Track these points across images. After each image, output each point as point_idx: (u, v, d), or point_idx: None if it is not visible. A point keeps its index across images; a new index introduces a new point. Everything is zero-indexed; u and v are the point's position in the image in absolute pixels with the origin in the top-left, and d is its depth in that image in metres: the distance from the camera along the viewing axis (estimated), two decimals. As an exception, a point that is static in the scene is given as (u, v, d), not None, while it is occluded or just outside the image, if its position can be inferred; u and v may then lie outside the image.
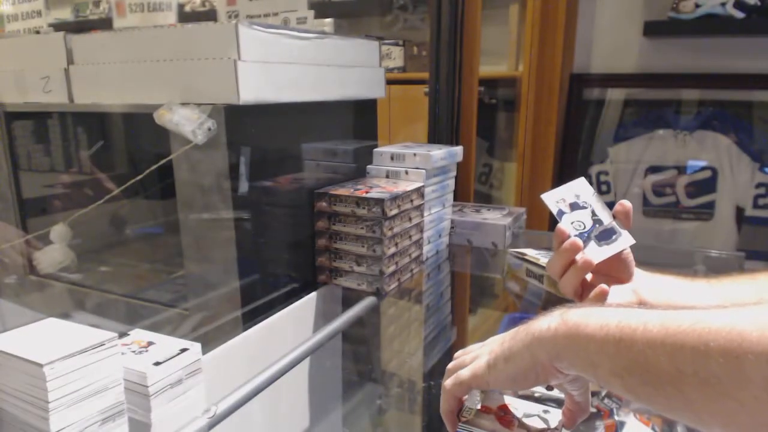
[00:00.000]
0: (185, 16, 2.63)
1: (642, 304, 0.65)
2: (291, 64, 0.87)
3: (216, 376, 0.65)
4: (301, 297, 0.92)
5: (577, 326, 0.45)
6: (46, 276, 1.08)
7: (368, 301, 0.92)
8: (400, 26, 2.42)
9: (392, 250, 0.93)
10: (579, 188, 0.69)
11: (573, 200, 0.67)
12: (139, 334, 0.63)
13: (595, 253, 0.63)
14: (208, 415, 0.60)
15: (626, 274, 0.67)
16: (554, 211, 0.65)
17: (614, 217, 0.67)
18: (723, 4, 1.57)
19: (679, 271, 0.68)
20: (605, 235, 0.64)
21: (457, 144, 1.42)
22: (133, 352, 0.58)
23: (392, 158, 1.07)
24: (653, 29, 1.71)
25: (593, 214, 0.66)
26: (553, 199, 0.66)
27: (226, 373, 0.70)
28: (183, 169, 0.82)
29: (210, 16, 2.50)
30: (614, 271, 0.67)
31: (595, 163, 1.86)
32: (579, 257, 0.62)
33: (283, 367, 0.71)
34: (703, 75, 1.72)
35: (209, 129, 0.77)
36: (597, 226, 0.65)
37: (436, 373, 1.00)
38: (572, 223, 0.64)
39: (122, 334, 0.62)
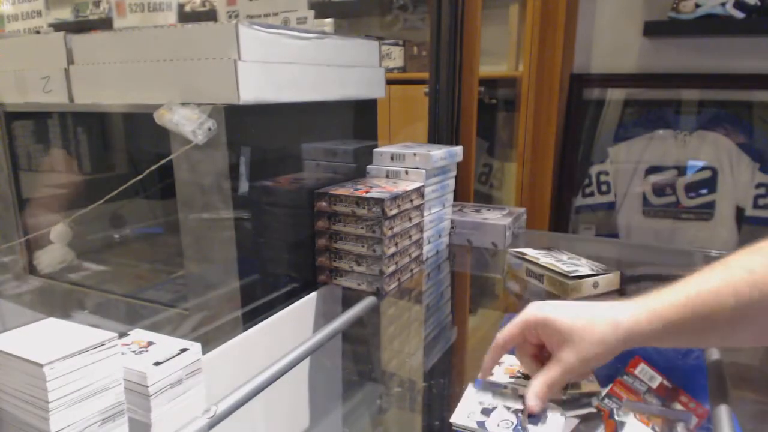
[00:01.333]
0: (185, 16, 2.63)
1: None
2: (291, 64, 0.87)
3: (216, 376, 0.65)
4: (301, 297, 0.92)
5: None
6: (46, 276, 1.08)
7: (368, 301, 0.92)
8: (400, 26, 2.42)
9: (392, 249, 0.93)
10: (476, 394, 0.68)
11: (481, 408, 0.65)
12: (139, 334, 0.63)
13: None
14: (208, 415, 0.60)
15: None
16: (474, 427, 0.62)
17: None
18: (723, 4, 1.57)
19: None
20: (535, 420, 0.62)
21: (457, 144, 1.42)
22: (133, 352, 0.58)
23: (392, 158, 1.07)
24: (653, 29, 1.71)
25: (507, 408, 0.65)
26: (464, 417, 0.63)
27: (226, 373, 0.70)
28: (183, 169, 0.83)
29: (210, 16, 2.51)
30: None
31: (595, 163, 1.86)
32: None
33: (283, 367, 0.71)
34: (703, 75, 1.72)
35: (209, 129, 0.77)
36: (520, 415, 0.63)
37: (436, 372, 1.00)
38: (498, 425, 0.62)
39: (122, 334, 0.62)
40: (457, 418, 0.63)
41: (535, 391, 0.60)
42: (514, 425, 0.61)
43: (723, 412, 0.62)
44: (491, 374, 0.68)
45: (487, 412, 0.64)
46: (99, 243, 1.14)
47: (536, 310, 0.62)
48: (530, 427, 0.60)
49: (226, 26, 0.76)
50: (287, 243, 0.93)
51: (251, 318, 0.84)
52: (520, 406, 0.64)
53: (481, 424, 0.61)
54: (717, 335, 0.58)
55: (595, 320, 0.58)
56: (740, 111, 1.70)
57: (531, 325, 0.62)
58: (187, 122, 0.75)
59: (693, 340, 0.61)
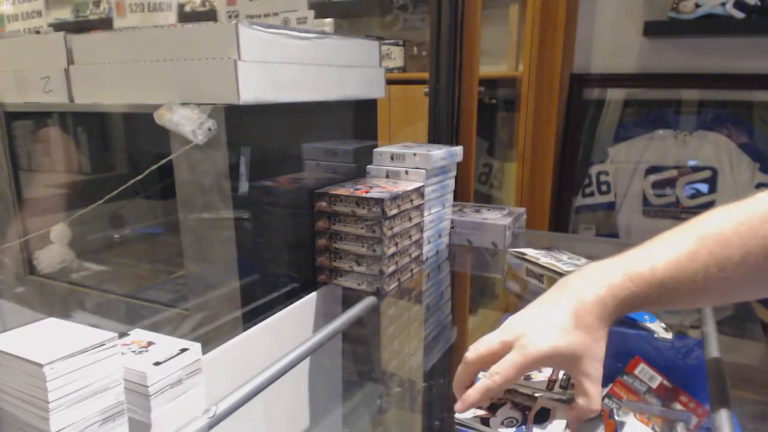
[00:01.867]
0: (185, 16, 2.63)
1: None
2: (291, 64, 0.87)
3: (216, 376, 0.65)
4: (301, 297, 0.92)
5: None
6: (46, 276, 1.08)
7: (368, 301, 0.92)
8: (400, 26, 2.42)
9: (392, 249, 0.93)
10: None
11: (489, 404, 0.64)
12: (139, 334, 0.63)
13: None
14: (208, 415, 0.60)
15: None
16: (476, 425, 0.60)
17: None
18: (723, 4, 1.57)
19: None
20: (542, 418, 0.60)
21: (457, 144, 1.42)
22: (133, 352, 0.58)
23: (392, 158, 1.07)
24: (653, 29, 1.71)
25: (513, 405, 0.63)
26: (469, 412, 0.61)
27: (226, 373, 0.70)
28: (183, 169, 0.82)
29: (210, 16, 2.51)
30: None
31: (595, 163, 1.86)
32: None
33: (283, 367, 0.71)
34: (704, 75, 1.72)
35: (209, 129, 0.77)
36: (526, 413, 0.62)
37: (436, 372, 1.00)
38: (502, 422, 0.60)
39: (122, 334, 0.62)
40: (461, 413, 0.62)
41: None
42: (519, 423, 0.61)
43: (723, 412, 0.62)
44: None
45: (493, 408, 0.63)
46: (99, 243, 1.14)
47: (536, 345, 0.56)
48: (535, 427, 0.60)
49: (226, 26, 0.76)
50: (287, 243, 0.93)
51: (251, 318, 0.84)
52: (526, 403, 0.64)
53: (485, 421, 0.61)
54: (679, 303, 0.59)
55: (592, 323, 0.57)
56: (740, 111, 1.70)
57: (537, 365, 0.58)
58: (187, 122, 0.75)
59: (655, 308, 0.63)
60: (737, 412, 0.63)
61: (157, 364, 0.56)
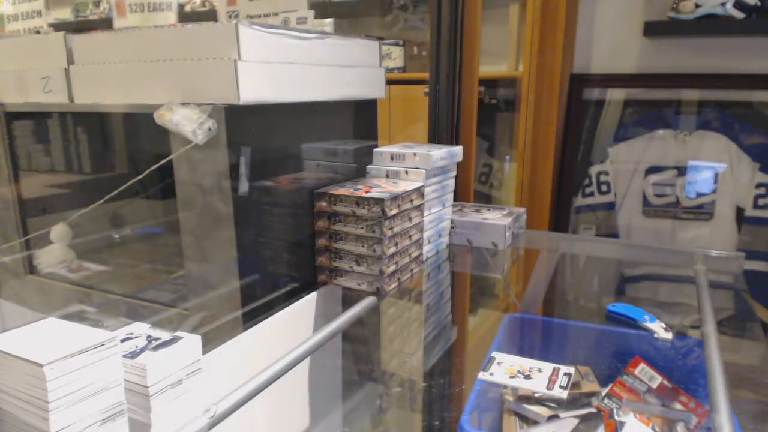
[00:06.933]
0: (185, 16, 2.63)
1: None
2: (291, 64, 0.87)
3: (216, 376, 0.65)
4: (301, 297, 0.92)
5: None
6: (46, 276, 1.08)
7: (368, 301, 0.92)
8: (400, 26, 2.42)
9: (392, 249, 0.93)
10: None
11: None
12: (140, 329, 0.62)
13: None
14: (208, 415, 0.60)
15: None
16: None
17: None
18: (723, 4, 1.57)
19: None
20: None
21: (457, 144, 1.42)
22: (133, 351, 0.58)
23: (392, 158, 1.07)
24: (653, 29, 1.71)
25: None
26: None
27: (226, 373, 0.70)
28: (183, 169, 0.83)
29: (210, 16, 2.51)
30: None
31: (595, 163, 1.86)
32: None
33: (283, 367, 0.71)
34: (704, 75, 1.72)
35: (209, 129, 0.77)
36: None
37: (436, 372, 1.00)
38: None
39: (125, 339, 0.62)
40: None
41: None
42: None
43: (723, 412, 0.62)
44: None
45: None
46: (99, 243, 1.14)
47: None
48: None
49: (226, 26, 0.76)
50: (287, 243, 0.93)
51: (251, 318, 0.84)
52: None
53: None
54: None
55: None
56: (740, 111, 1.70)
57: None
58: (187, 122, 0.75)
59: None
60: (737, 412, 0.63)
61: (156, 362, 0.56)
